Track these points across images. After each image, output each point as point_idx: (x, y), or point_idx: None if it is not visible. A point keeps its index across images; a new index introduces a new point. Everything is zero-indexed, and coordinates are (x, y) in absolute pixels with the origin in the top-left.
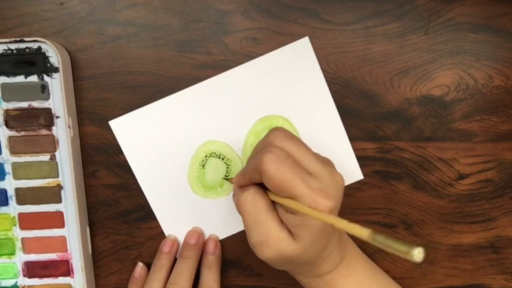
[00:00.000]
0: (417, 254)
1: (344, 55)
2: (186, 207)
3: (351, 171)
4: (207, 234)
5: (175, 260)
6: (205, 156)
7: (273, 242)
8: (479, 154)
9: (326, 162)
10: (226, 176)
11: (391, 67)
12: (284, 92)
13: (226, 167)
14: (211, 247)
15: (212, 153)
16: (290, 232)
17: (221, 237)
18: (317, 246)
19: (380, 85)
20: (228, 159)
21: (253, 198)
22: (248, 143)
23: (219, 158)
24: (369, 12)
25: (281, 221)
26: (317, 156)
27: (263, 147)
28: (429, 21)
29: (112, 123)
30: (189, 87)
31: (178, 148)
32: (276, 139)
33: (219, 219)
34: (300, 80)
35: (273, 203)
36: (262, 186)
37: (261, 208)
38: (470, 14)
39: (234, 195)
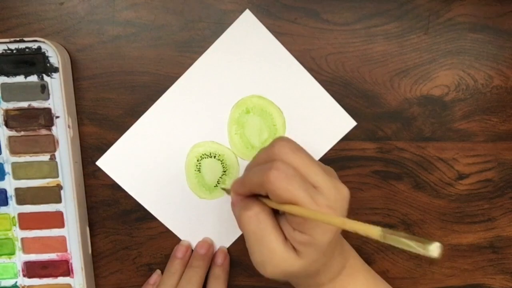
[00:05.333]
0: (434, 249)
1: (344, 55)
2: (196, 214)
3: (343, 121)
4: (218, 235)
5: None
6: (197, 160)
7: (277, 262)
8: (479, 154)
9: (330, 173)
10: (224, 172)
11: (391, 67)
12: (247, 71)
13: (221, 163)
14: (220, 259)
15: (203, 155)
16: (293, 248)
17: (233, 236)
18: (321, 260)
19: (380, 85)
20: (219, 155)
21: (257, 218)
22: (232, 132)
23: (211, 157)
24: (369, 12)
25: (285, 238)
26: (323, 168)
27: (266, 157)
28: (429, 21)
29: (100, 162)
30: (157, 101)
31: (169, 162)
32: (281, 152)
33: (229, 215)
34: (258, 52)
35: (276, 218)
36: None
37: (265, 228)
38: (470, 14)
39: (233, 206)
